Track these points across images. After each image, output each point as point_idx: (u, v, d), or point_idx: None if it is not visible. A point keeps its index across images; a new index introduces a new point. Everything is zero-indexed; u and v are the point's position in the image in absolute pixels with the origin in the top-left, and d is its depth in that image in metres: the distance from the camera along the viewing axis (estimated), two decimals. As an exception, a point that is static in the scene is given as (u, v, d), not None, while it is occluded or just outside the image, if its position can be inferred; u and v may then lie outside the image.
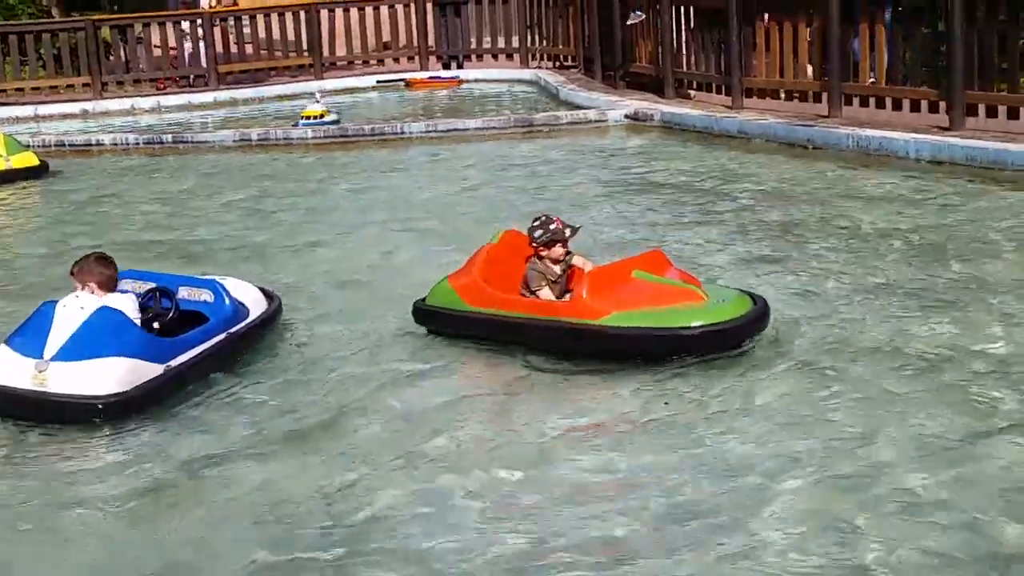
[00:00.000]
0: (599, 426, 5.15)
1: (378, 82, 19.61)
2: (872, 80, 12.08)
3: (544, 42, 19.63)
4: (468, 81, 19.22)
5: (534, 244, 6.12)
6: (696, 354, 5.68)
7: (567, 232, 6.10)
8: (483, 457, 4.87)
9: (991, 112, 10.78)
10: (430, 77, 19.46)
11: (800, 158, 11.15)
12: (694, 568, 3.89)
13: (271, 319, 6.49)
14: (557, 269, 6.11)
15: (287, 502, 4.56)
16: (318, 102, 15.06)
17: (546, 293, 6.04)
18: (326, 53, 20.19)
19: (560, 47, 19.05)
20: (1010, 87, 10.67)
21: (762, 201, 9.48)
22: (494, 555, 4.05)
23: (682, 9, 14.55)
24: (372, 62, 20.82)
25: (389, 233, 9.18)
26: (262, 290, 6.67)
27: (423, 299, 6.47)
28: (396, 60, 20.63)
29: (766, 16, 13.16)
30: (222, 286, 6.31)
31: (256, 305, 6.42)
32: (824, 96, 12.33)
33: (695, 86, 14.62)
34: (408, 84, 19.28)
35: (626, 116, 13.88)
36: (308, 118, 14.63)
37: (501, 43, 20.34)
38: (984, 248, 7.54)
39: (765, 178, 10.42)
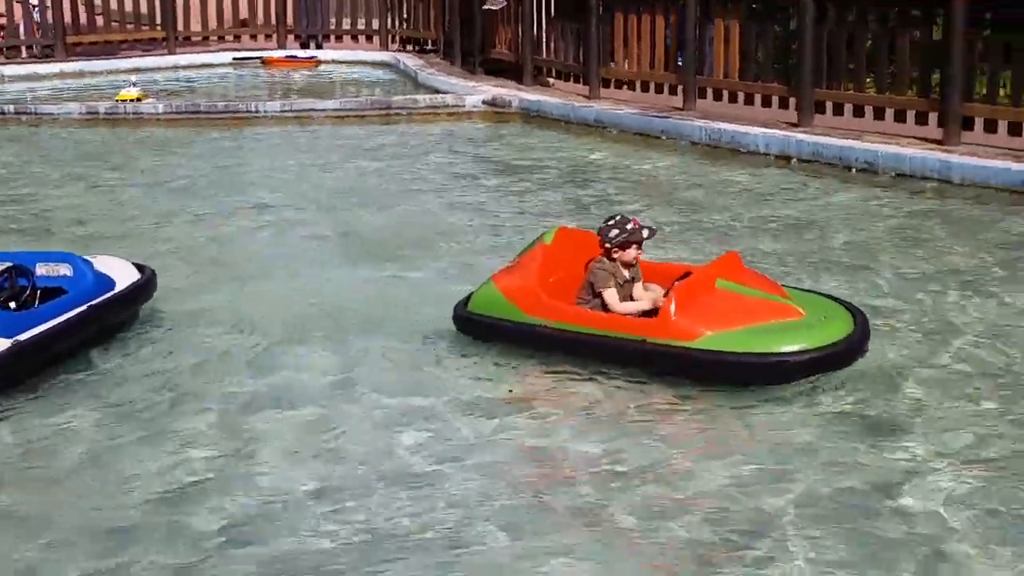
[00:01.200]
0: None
1: (234, 59, 19.23)
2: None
3: (404, 25, 19.50)
4: (326, 62, 18.98)
5: (608, 244, 5.60)
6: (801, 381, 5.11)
7: (644, 233, 5.64)
8: (316, 444, 4.78)
9: (838, 110, 11.04)
10: (287, 56, 19.15)
11: (654, 148, 11.27)
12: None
13: (141, 292, 6.22)
14: (627, 273, 5.63)
15: (115, 483, 4.41)
16: (134, 85, 14.56)
17: (612, 294, 5.54)
18: (180, 27, 19.70)
19: (420, 31, 18.94)
20: (856, 86, 10.95)
21: (613, 189, 9.56)
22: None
23: (542, -3, 14.59)
24: (228, 38, 20.40)
25: (237, 210, 9.01)
26: (136, 265, 6.42)
27: (465, 305, 5.85)
28: (253, 37, 20.26)
29: (626, 7, 13.25)
30: (81, 259, 6.08)
31: (124, 278, 6.16)
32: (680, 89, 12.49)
33: (554, 74, 14.67)
34: (265, 62, 18.95)
35: (484, 102, 13.86)
36: (123, 102, 14.16)
37: (361, 24, 20.13)
38: (824, 229, 7.74)
39: (617, 167, 10.52)
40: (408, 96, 14.59)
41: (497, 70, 15.58)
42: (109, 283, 6.05)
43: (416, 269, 7.28)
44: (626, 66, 13.38)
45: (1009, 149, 9.44)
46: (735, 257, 5.66)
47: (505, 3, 14.99)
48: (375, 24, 19.80)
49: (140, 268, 6.41)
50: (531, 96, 13.70)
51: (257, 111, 13.81)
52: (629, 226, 5.61)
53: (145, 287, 6.29)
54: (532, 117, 13.19)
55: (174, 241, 8.15)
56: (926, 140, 9.98)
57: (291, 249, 7.89)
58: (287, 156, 11.44)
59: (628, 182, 9.90)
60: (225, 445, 4.75)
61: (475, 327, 5.78)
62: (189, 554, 3.90)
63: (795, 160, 10.32)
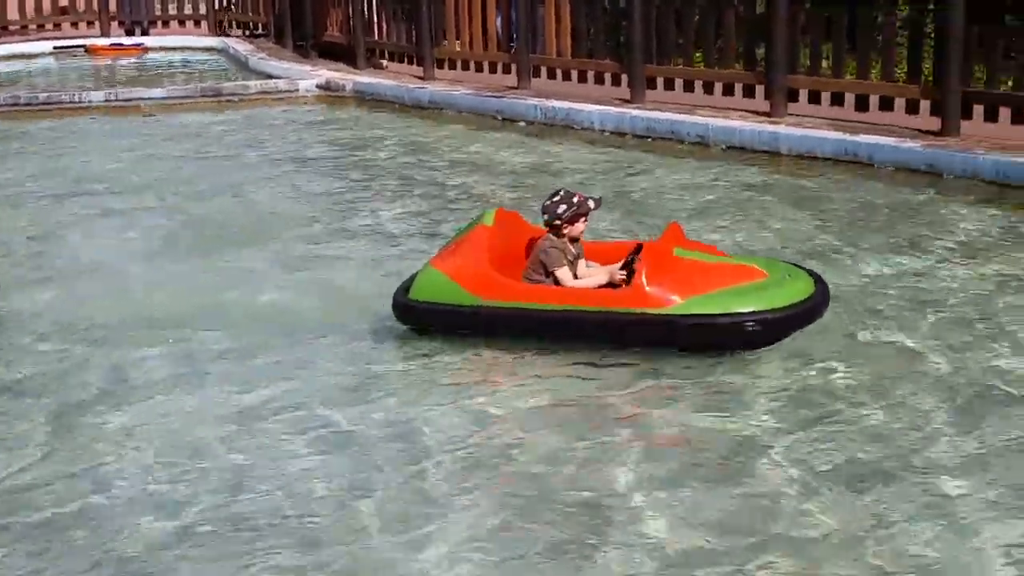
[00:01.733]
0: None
1: (55, 48, 18.57)
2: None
3: (233, 9, 19.11)
4: (153, 49, 18.48)
5: (558, 221, 5.41)
6: (784, 337, 5.15)
7: (591, 204, 5.49)
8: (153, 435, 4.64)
9: (669, 85, 11.21)
10: (112, 44, 18.59)
11: (489, 128, 11.28)
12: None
13: None
14: (573, 249, 5.47)
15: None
16: None
17: (566, 272, 5.38)
18: (-3, 17, 18.96)
19: (250, 15, 18.59)
20: (685, 61, 11.13)
21: (449, 170, 9.53)
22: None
23: (372, -22, 14.45)
24: (48, 27, 19.69)
25: (63, 205, 8.70)
26: None
27: (405, 292, 5.51)
28: (75, 25, 19.60)
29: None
30: None
31: None
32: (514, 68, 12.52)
33: (388, 56, 14.56)
34: (88, 51, 18.35)
35: (318, 86, 13.68)
36: None
37: (188, 9, 19.66)
38: (661, 210, 7.85)
39: (452, 148, 10.49)
40: (239, 82, 14.31)
41: (330, 53, 15.40)
42: None
43: (252, 258, 7.11)
44: (458, 46, 13.36)
45: (833, 119, 9.72)
46: (678, 227, 5.54)
47: (334, -15, 14.82)
48: (203, 9, 19.36)
49: None
50: (365, 79, 13.58)
51: (81, 101, 13.36)
52: (575, 199, 5.47)
53: None
54: (367, 100, 13.07)
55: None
56: (755, 112, 10.20)
57: (122, 242, 7.64)
58: (114, 147, 11.09)
59: (465, 163, 9.87)
60: (58, 448, 4.56)
61: (421, 315, 5.49)
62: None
63: (629, 135, 10.45)
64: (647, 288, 5.08)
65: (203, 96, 13.49)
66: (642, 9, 11.07)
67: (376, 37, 14.58)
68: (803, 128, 9.51)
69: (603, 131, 10.70)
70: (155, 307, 6.18)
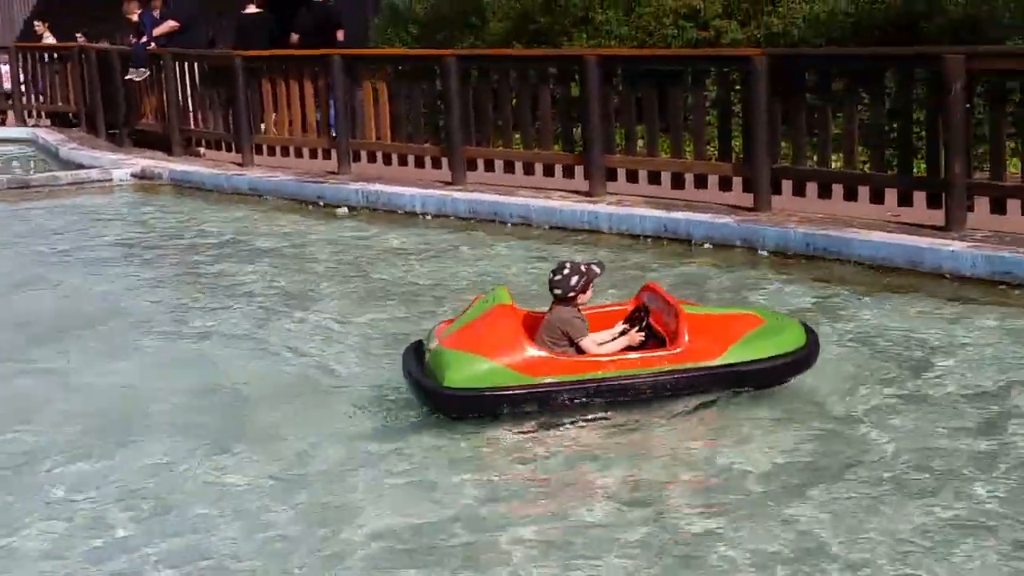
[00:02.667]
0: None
1: None
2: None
3: (42, 99, 18.58)
4: (-43, 140, 17.81)
5: (572, 292, 5.65)
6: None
7: (596, 270, 5.79)
8: None
9: (490, 166, 11.30)
10: (-87, 136, 17.84)
11: (311, 214, 11.17)
12: None
13: None
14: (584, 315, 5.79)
15: None
16: None
17: (591, 341, 5.63)
18: None
19: (59, 104, 18.09)
20: (505, 143, 11.25)
21: (266, 256, 9.38)
22: None
23: (187, 65, 14.23)
24: None
25: None
26: None
27: (445, 387, 5.37)
28: None
29: (272, 73, 13.11)
30: None
31: None
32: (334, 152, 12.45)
33: (206, 143, 14.33)
34: None
35: (133, 175, 13.37)
36: None
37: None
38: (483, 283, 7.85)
39: (270, 234, 10.34)
40: (49, 173, 13.88)
41: (146, 141, 15.07)
42: None
43: (63, 357, 6.86)
44: (277, 132, 13.24)
45: (651, 197, 9.93)
46: (657, 286, 5.98)
47: (147, 73, 14.53)
48: (9, 100, 18.78)
49: None
50: (181, 167, 13.33)
51: None
52: (583, 268, 5.73)
53: None
54: (184, 188, 12.82)
55: None
56: (575, 192, 10.35)
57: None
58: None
59: (284, 249, 9.73)
60: None
61: (471, 403, 5.41)
62: None
63: (452, 217, 10.48)
64: (693, 344, 5.51)
65: (10, 188, 13.02)
66: (459, 91, 11.17)
67: (192, 124, 14.34)
68: (622, 207, 9.69)
69: (425, 214, 10.70)
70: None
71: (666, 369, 5.49)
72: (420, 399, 5.60)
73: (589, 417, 5.46)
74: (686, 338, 5.49)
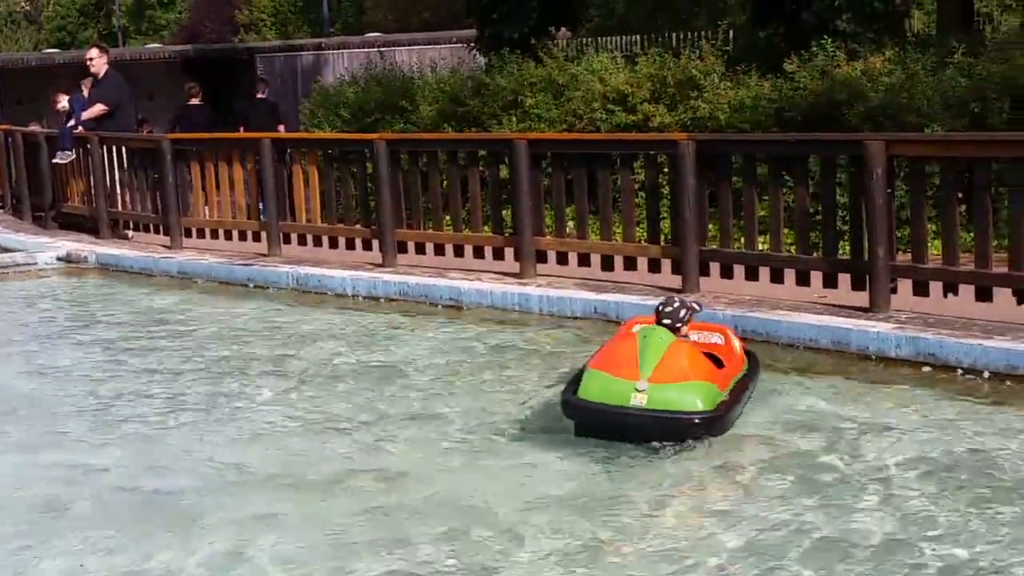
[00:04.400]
0: None
1: None
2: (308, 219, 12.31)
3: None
4: None
5: (679, 324, 6.59)
6: None
7: (697, 307, 6.91)
8: None
9: (421, 248, 11.30)
10: None
11: (242, 298, 11.08)
12: None
13: None
14: None
15: None
16: None
17: None
18: None
19: (-15, 186, 17.86)
20: (435, 225, 11.27)
21: (196, 340, 9.29)
22: None
23: (114, 148, 14.14)
24: None
25: None
26: None
27: (703, 411, 6.09)
28: None
29: (201, 155, 13.07)
30: None
31: None
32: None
33: (133, 226, 14.20)
34: None
35: (59, 259, 13.18)
36: None
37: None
38: (410, 367, 7.83)
39: (201, 319, 10.23)
40: (-28, 256, 13.65)
41: (72, 224, 14.91)
42: None
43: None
44: (206, 214, 13.17)
45: (581, 279, 9.99)
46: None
47: (73, 156, 14.41)
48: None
49: None
50: (109, 250, 13.18)
51: None
52: (688, 304, 6.77)
53: None
54: (112, 272, 12.67)
55: None
56: (506, 274, 10.38)
57: None
58: None
59: (214, 333, 9.63)
60: None
61: (710, 424, 6.13)
62: None
63: (383, 300, 10.45)
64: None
65: (-68, 271, 12.80)
66: (389, 175, 11.19)
67: (120, 207, 14.22)
68: (552, 288, 9.73)
69: (356, 296, 10.66)
70: None
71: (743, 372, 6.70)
72: (660, 432, 6.04)
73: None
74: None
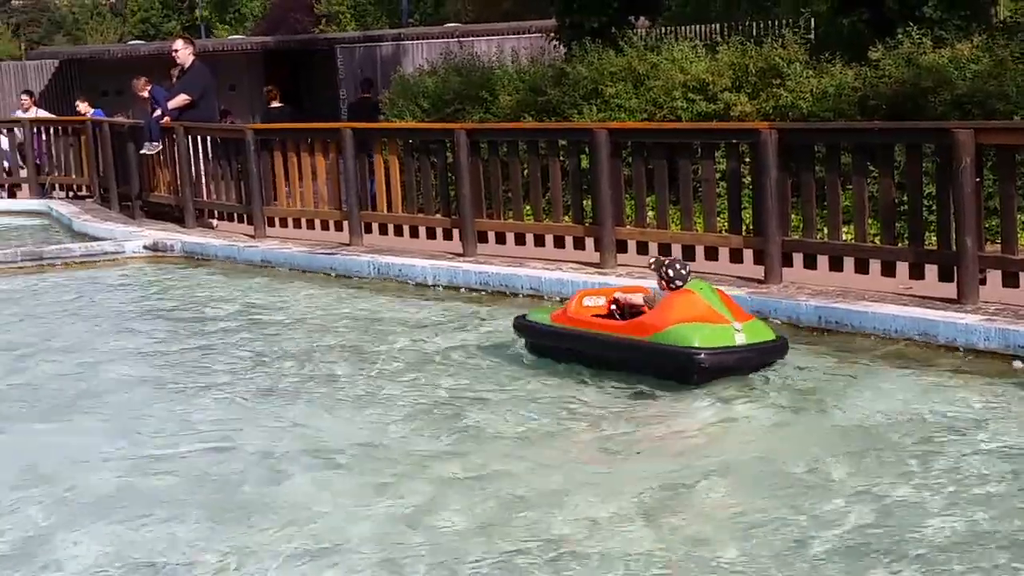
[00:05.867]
0: None
1: None
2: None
3: (56, 172, 18.73)
4: (-28, 212, 17.93)
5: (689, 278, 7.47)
6: None
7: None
8: None
9: (501, 238, 11.35)
10: (-72, 208, 17.97)
11: (323, 286, 11.20)
12: None
13: None
14: None
15: None
16: None
17: None
18: None
19: (73, 176, 18.24)
20: (516, 215, 11.31)
21: (282, 327, 9.42)
22: None
23: (199, 138, 14.37)
24: None
25: None
26: None
27: (765, 344, 7.13)
28: None
29: (284, 145, 13.22)
30: None
31: None
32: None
33: (218, 215, 14.42)
34: (-98, 215, 17.69)
35: (145, 247, 13.42)
36: None
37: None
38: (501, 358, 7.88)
39: (284, 305, 10.38)
40: (62, 245, 13.94)
41: (158, 213, 15.17)
42: None
43: (82, 430, 6.87)
44: (289, 204, 13.33)
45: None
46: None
47: (160, 147, 14.66)
48: (23, 172, 18.92)
49: None
50: (194, 239, 13.40)
51: None
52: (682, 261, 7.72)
53: None
54: (197, 260, 12.88)
55: None
56: (586, 264, 10.38)
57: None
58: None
59: (298, 319, 9.75)
60: None
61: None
62: None
63: (463, 289, 10.50)
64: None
65: (24, 261, 13.09)
66: (470, 164, 11.25)
67: (205, 196, 14.44)
68: (632, 279, 9.70)
69: (436, 285, 10.73)
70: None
71: None
72: (761, 363, 7.15)
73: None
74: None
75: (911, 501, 5.28)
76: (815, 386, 7.04)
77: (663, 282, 7.43)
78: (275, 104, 17.95)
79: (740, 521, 5.16)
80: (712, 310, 7.09)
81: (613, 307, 7.76)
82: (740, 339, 7.00)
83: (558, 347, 7.73)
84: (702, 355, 6.89)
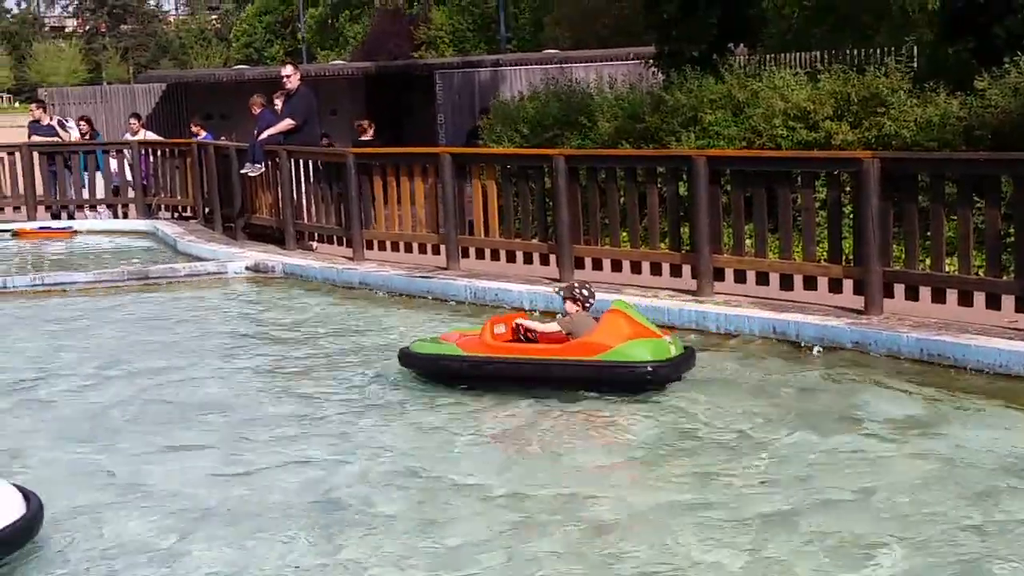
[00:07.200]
0: None
1: (-19, 233, 18.47)
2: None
3: (162, 193, 19.18)
4: (82, 232, 18.41)
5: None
6: None
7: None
8: None
9: (597, 264, 11.36)
10: (40, 227, 18.50)
11: (419, 309, 11.30)
12: None
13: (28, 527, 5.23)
14: None
15: None
16: None
17: None
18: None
19: (178, 198, 18.66)
20: (613, 241, 11.31)
21: (380, 350, 9.51)
22: None
23: (301, 161, 14.63)
24: (-28, 212, 19.60)
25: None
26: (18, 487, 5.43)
27: (687, 353, 8.00)
28: (0, 209, 19.55)
29: (384, 169, 13.39)
30: None
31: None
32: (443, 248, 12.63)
33: (317, 238, 14.65)
34: (16, 234, 18.23)
35: (247, 268, 13.69)
36: None
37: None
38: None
39: (382, 328, 10.48)
40: (167, 265, 14.27)
41: (260, 235, 15.46)
42: None
43: (189, 445, 7.02)
44: (387, 228, 13.48)
45: (759, 298, 9.88)
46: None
47: (263, 169, 14.95)
48: (131, 193, 19.40)
49: (25, 495, 5.39)
50: (294, 260, 13.62)
51: (5, 286, 13.21)
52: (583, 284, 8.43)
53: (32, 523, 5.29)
54: (297, 282, 13.09)
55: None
56: (682, 291, 10.35)
57: (48, 425, 7.50)
58: (36, 332, 10.93)
59: (396, 343, 9.83)
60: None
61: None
62: None
63: (560, 315, 10.50)
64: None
65: (131, 279, 13.41)
66: (568, 190, 11.29)
67: (305, 219, 14.68)
68: (729, 307, 9.66)
69: (533, 310, 10.76)
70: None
71: None
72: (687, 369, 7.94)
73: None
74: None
75: None
76: (911, 424, 6.92)
77: (577, 304, 8.08)
78: (364, 138, 18.05)
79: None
80: (645, 327, 7.86)
81: (522, 333, 8.27)
82: (672, 351, 7.79)
83: (474, 374, 8.03)
84: (656, 368, 7.64)
